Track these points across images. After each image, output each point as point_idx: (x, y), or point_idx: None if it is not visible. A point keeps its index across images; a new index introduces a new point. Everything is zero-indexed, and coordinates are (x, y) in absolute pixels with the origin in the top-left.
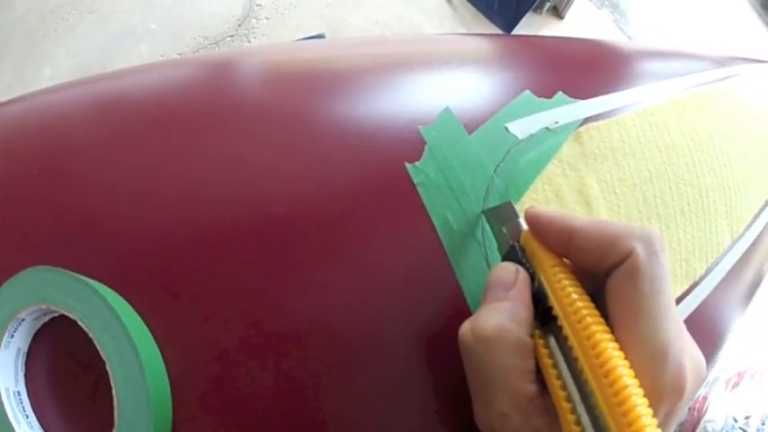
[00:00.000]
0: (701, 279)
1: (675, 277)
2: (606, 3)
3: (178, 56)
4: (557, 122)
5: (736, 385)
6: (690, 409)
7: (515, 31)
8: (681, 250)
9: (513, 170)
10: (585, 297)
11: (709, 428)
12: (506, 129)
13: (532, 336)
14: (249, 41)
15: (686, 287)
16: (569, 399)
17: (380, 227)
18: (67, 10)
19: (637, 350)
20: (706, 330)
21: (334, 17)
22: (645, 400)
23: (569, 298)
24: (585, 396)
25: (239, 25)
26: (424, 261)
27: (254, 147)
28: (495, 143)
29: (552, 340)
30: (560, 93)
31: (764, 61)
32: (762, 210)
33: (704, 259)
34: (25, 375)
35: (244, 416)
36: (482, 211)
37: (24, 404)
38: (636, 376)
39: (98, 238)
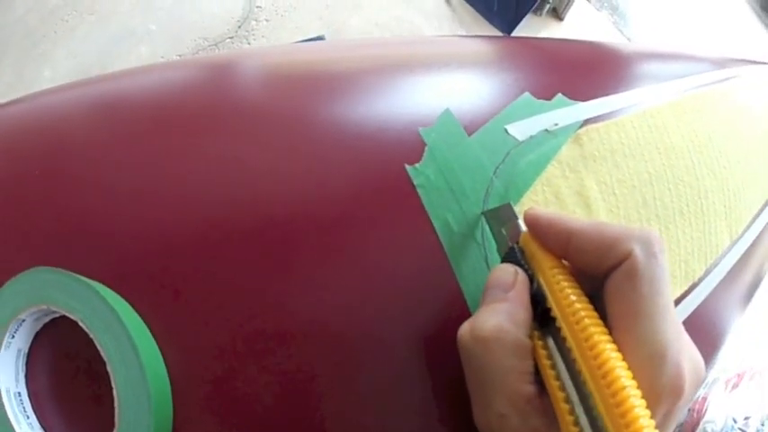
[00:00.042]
0: (700, 280)
1: (674, 278)
2: (606, 4)
3: (178, 57)
4: (556, 124)
5: (735, 386)
6: (689, 409)
7: (515, 33)
8: (680, 251)
9: (512, 172)
10: (584, 298)
11: (709, 429)
12: (506, 131)
13: (531, 337)
14: (249, 43)
15: (685, 288)
16: (568, 400)
17: (380, 228)
18: (67, 11)
19: (635, 351)
20: (705, 331)
21: (333, 19)
22: (643, 401)
23: (568, 299)
24: (584, 397)
25: (239, 27)
26: (424, 262)
27: (254, 148)
28: (495, 145)
29: (551, 341)
30: (560, 95)
31: (764, 63)
32: (761, 211)
33: (703, 260)
34: (26, 376)
35: (244, 416)
36: (482, 213)
37: (25, 405)
38: (634, 377)
39: (98, 239)
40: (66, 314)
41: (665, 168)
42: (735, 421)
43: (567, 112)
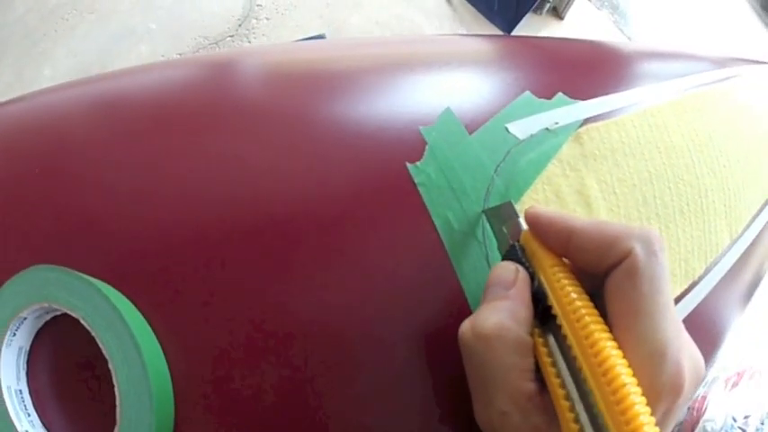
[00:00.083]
0: (700, 279)
1: (674, 277)
2: (606, 3)
3: (178, 56)
4: (557, 123)
5: (735, 385)
6: (689, 408)
7: (515, 32)
8: (680, 250)
9: (513, 170)
10: (584, 296)
11: (708, 428)
12: (507, 129)
13: (532, 334)
14: (249, 42)
15: (685, 287)
16: (568, 397)
17: (381, 227)
18: (67, 10)
19: (635, 349)
20: (705, 330)
21: (334, 17)
22: (643, 399)
23: (568, 297)
24: (584, 394)
25: (239, 25)
26: (425, 260)
27: (255, 147)
28: (496, 143)
29: (551, 339)
30: (560, 94)
31: (764, 62)
32: (761, 210)
33: (703, 259)
34: (27, 374)
35: (244, 415)
36: (482, 211)
37: (26, 402)
38: (634, 375)
39: (98, 238)
40: (68, 312)
41: (665, 167)
42: (734, 420)
43: (567, 111)
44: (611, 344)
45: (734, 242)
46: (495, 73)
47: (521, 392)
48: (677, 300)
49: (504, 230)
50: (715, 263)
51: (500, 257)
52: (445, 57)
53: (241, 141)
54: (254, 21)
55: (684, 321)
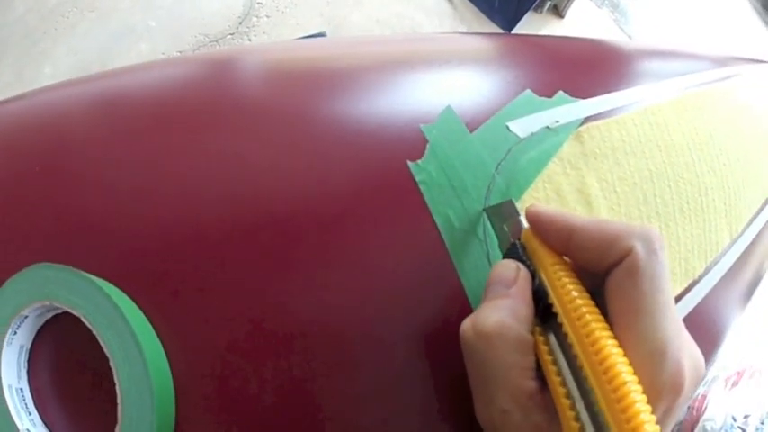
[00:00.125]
0: (701, 277)
1: (675, 276)
2: (606, 2)
3: (178, 54)
4: (557, 121)
5: (735, 384)
6: (689, 407)
7: (516, 30)
8: (680, 249)
9: (514, 169)
10: (585, 295)
11: (708, 427)
12: (507, 127)
13: (533, 333)
14: (250, 39)
15: (685, 285)
16: (569, 395)
17: (382, 225)
18: (68, 8)
19: (636, 348)
20: (705, 329)
21: (334, 15)
22: (643, 397)
23: (569, 295)
24: (585, 392)
25: (240, 23)
26: (426, 258)
27: (255, 145)
28: (497, 142)
29: (552, 337)
30: (561, 92)
31: (765, 61)
32: (761, 209)
33: (703, 258)
34: (28, 372)
35: (245, 414)
36: (483, 209)
37: (27, 401)
38: (634, 373)
39: (99, 236)
40: (69, 310)
41: (665, 166)
42: (734, 419)
43: (568, 110)
44: (612, 342)
45: (734, 241)
46: (496, 71)
47: (521, 391)
48: (677, 298)
49: (505, 229)
50: (715, 262)
51: (501, 256)
52: (446, 55)
53: (241, 139)
54: (254, 19)
55: (685, 320)
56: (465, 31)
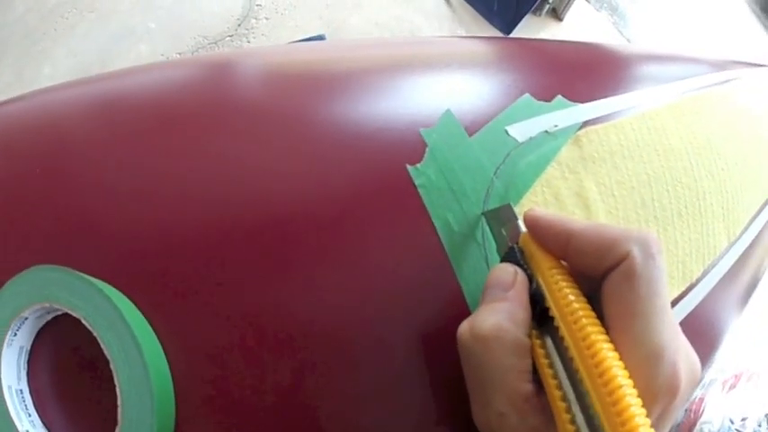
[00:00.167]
0: (698, 281)
1: (672, 279)
2: (605, 5)
3: (178, 56)
4: (556, 126)
5: (732, 387)
6: (686, 410)
7: (514, 33)
8: (678, 252)
9: (512, 173)
10: (582, 299)
11: (706, 430)
12: (506, 132)
13: (530, 336)
14: (249, 41)
15: (683, 289)
16: (565, 398)
17: (381, 228)
18: (67, 9)
19: (632, 351)
20: (703, 332)
21: (333, 18)
22: (639, 400)
23: (566, 299)
24: (581, 396)
25: (239, 25)
26: (425, 262)
27: (255, 147)
28: (496, 146)
29: (549, 341)
30: (559, 96)
31: (763, 65)
32: (758, 212)
33: (701, 261)
34: (28, 374)
35: (245, 415)
36: (482, 213)
37: (27, 402)
38: (630, 377)
39: (99, 238)
40: (69, 312)
41: (663, 170)
42: (732, 422)
43: (566, 114)
44: (608, 346)
45: (732, 245)
46: (495, 75)
47: (518, 393)
48: (675, 302)
49: (504, 233)
50: (713, 265)
51: (499, 259)
52: (445, 58)
53: (241, 142)
54: (253, 21)
55: (682, 324)
56: (464, 33)
